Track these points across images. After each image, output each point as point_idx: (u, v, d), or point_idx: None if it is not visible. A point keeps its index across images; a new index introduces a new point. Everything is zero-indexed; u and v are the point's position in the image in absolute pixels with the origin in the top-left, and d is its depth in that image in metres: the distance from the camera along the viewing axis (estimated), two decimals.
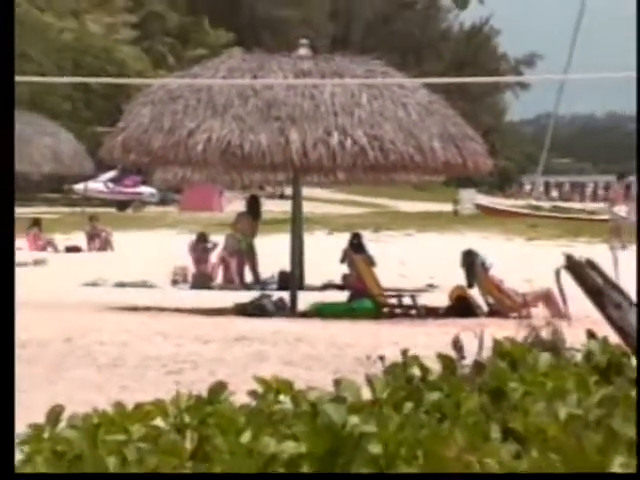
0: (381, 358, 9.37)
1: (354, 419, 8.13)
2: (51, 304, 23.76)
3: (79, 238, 42.09)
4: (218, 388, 9.35)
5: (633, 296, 4.78)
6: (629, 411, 8.14)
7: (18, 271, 28.07)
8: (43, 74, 37.27)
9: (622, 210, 45.66)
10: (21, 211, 42.02)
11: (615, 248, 16.89)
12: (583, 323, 8.67)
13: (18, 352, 18.51)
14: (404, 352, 9.48)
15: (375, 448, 7.70)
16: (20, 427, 9.89)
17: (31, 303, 20.72)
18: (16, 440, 10.52)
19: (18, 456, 9.94)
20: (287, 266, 26.97)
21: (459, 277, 24.88)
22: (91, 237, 42.10)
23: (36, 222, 41.48)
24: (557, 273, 21.52)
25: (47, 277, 30.89)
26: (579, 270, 4.14)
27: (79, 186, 48.01)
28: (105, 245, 41.69)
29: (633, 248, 38.68)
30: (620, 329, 4.19)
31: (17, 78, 33.30)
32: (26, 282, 22.61)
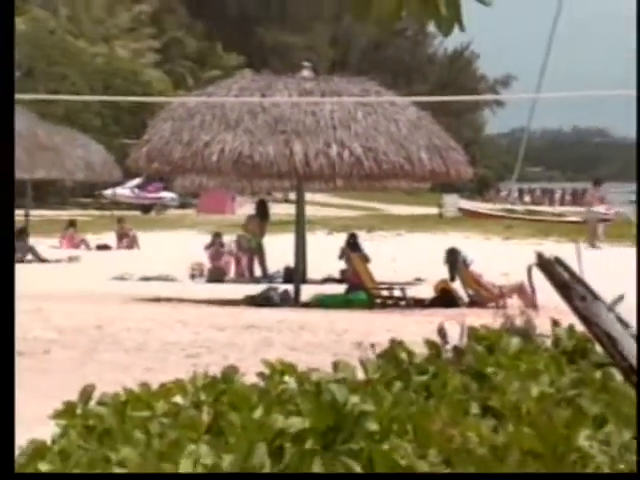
0: (372, 345, 9.70)
1: (354, 398, 8.47)
2: (84, 296, 24.11)
3: (108, 238, 42.17)
4: (231, 370, 9.67)
5: (596, 289, 4.95)
6: (594, 390, 8.44)
7: (55, 267, 28.22)
8: (77, 93, 37.46)
9: (600, 210, 46.30)
10: (57, 213, 42.22)
11: (579, 247, 17.09)
12: (552, 313, 8.95)
13: (56, 337, 18.81)
14: (393, 339, 9.80)
15: (372, 425, 8.04)
16: (57, 404, 10.06)
17: (66, 295, 20.97)
18: (51, 415, 10.57)
19: (55, 429, 10.07)
20: (291, 262, 27.38)
21: (443, 272, 25.24)
22: (120, 237, 42.38)
23: (72, 223, 41.63)
24: (529, 269, 21.85)
25: (80, 272, 31.07)
26: (548, 266, 4.14)
27: (108, 192, 48.50)
28: (132, 244, 41.95)
29: (603, 247, 39.44)
30: (585, 318, 4.18)
31: (54, 96, 33.24)
32: (61, 277, 22.88)
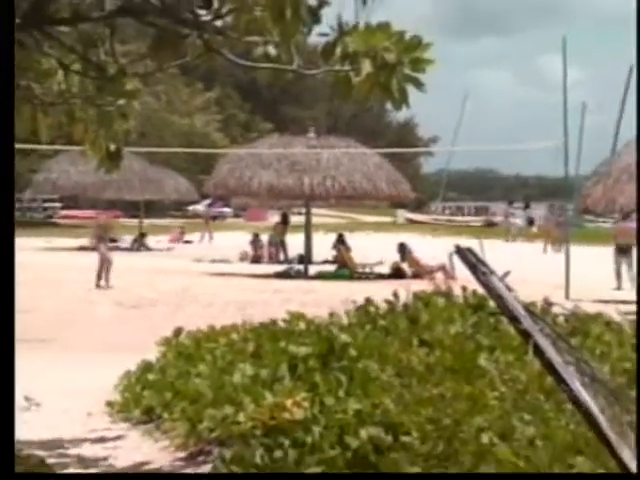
0: (353, 302, 10.06)
1: (341, 335, 8.82)
2: (175, 271, 24.27)
3: (191, 236, 41.90)
4: (268, 322, 10.02)
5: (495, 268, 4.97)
6: (489, 330, 8.71)
7: (158, 254, 28.24)
8: (165, 145, 37.69)
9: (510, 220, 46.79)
10: (159, 221, 42.09)
11: (481, 241, 17.08)
12: (463, 282, 9.22)
13: (158, 297, 18.97)
14: (366, 298, 10.13)
15: (352, 351, 8.37)
16: (158, 338, 10.28)
17: (164, 271, 21.27)
18: (157, 343, 10.53)
19: (156, 354, 10.13)
20: (302, 251, 27.81)
21: (395, 257, 25.82)
22: (202, 235, 42.18)
23: (182, 227, 41.52)
24: (450, 255, 21.94)
25: (173, 257, 31.17)
26: (462, 253, 3.90)
27: (190, 207, 48.64)
28: (209, 239, 41.50)
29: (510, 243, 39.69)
30: (485, 285, 3.87)
31: (156, 149, 32.51)
32: (162, 260, 23.14)
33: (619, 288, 21.96)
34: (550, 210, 45.82)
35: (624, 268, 22.63)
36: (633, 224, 21.24)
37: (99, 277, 21.29)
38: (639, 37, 5.50)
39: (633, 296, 17.16)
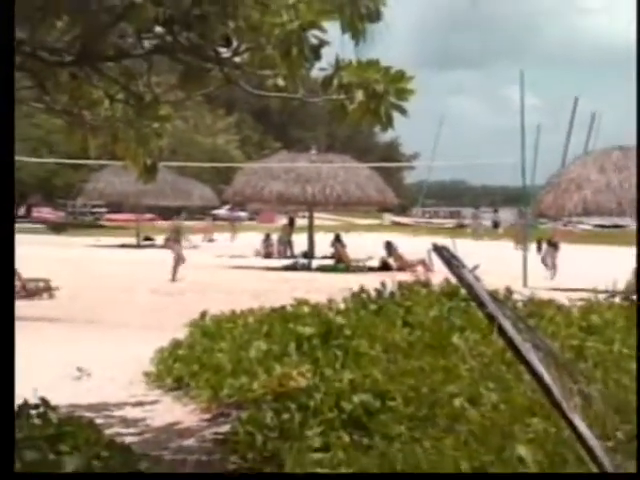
0: (350, 289, 10.01)
1: (338, 318, 8.77)
2: (200, 265, 23.81)
3: (215, 236, 41.52)
4: (278, 307, 9.88)
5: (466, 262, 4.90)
6: (460, 313, 8.66)
7: (187, 251, 28.46)
8: (193, 160, 37.47)
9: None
10: (190, 223, 41.72)
11: (454, 240, 17.00)
12: (440, 274, 9.19)
13: (186, 286, 18.87)
14: (360, 287, 10.09)
15: (347, 331, 8.33)
16: (187, 320, 10.18)
17: (191, 265, 21.17)
18: (185, 324, 10.44)
19: (185, 333, 10.07)
20: (306, 248, 27.57)
21: (383, 253, 25.53)
22: (231, 236, 41.45)
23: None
24: (428, 251, 21.64)
25: (199, 253, 30.57)
26: (439, 250, 3.75)
27: (213, 212, 48.42)
28: (232, 239, 41.11)
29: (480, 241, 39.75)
30: (458, 276, 3.74)
31: (185, 163, 32.12)
32: (190, 256, 23.04)
33: (553, 276, 22.40)
34: (519, 214, 45.83)
35: (550, 260, 23.44)
36: (566, 228, 22.10)
37: (174, 272, 20.93)
38: (639, 38, 4.88)
39: (579, 285, 17.17)
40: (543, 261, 23.75)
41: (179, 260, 21.32)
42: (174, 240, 22.92)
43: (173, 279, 20.43)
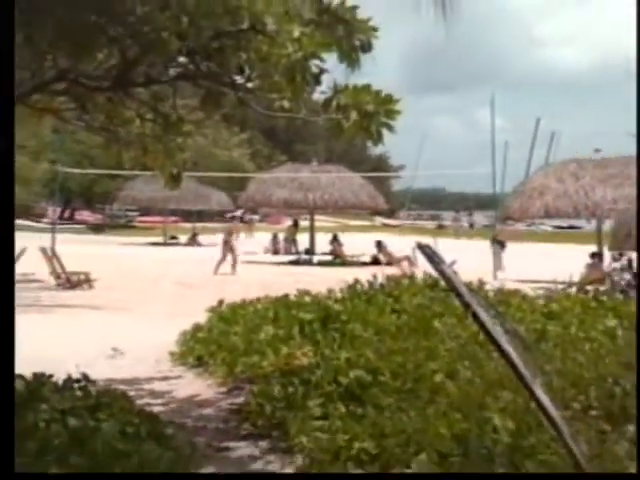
0: (347, 282, 9.94)
1: (336, 305, 8.71)
2: (215, 262, 23.55)
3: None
4: (284, 296, 9.88)
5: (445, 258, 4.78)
6: (440, 302, 8.61)
7: (206, 248, 28.03)
8: (211, 171, 37.14)
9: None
10: (206, 224, 41.36)
11: (436, 240, 16.67)
12: (422, 268, 9.13)
13: (206, 279, 18.68)
14: (354, 279, 10.03)
15: (344, 317, 8.26)
16: (205, 307, 10.06)
17: (210, 260, 20.89)
18: (206, 310, 10.33)
19: (204, 318, 10.00)
20: (308, 245, 27.16)
21: (374, 250, 25.04)
22: (247, 235, 41.02)
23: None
24: (413, 249, 21.31)
25: (217, 250, 30.36)
26: (422, 248, 3.71)
27: (229, 215, 48.07)
28: (247, 238, 40.57)
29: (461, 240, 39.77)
30: (439, 271, 3.70)
31: (205, 174, 31.68)
32: (210, 253, 22.76)
33: (500, 269, 21.90)
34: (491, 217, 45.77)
35: (499, 256, 23.24)
36: (530, 228, 21.65)
37: (218, 265, 20.53)
38: (639, 39, 4.62)
39: (541, 277, 17.15)
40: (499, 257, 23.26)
41: (233, 256, 21.03)
42: (228, 240, 22.51)
43: (216, 272, 20.08)
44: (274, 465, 5.06)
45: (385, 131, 4.98)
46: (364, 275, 10.26)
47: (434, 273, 4.17)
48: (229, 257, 21.10)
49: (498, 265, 22.10)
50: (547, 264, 21.05)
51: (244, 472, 4.11)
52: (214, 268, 20.35)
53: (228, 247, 21.56)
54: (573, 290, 13.06)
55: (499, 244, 23.30)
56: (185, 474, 3.67)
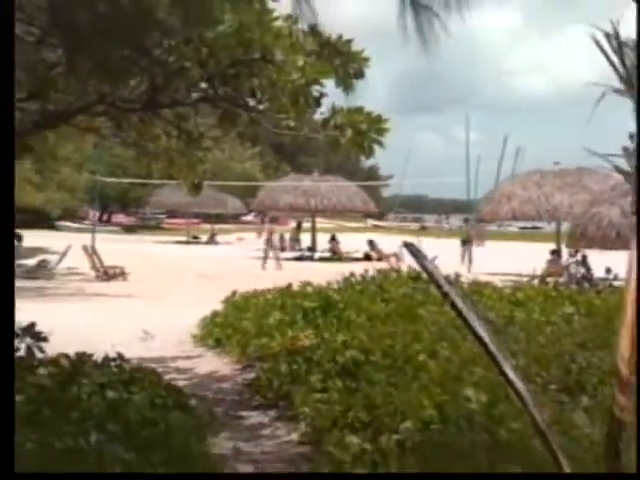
0: (343, 275, 9.86)
1: (334, 294, 8.62)
2: (233, 258, 23.46)
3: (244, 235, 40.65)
4: (289, 287, 9.77)
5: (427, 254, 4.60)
6: (423, 292, 8.54)
7: (221, 247, 27.74)
8: (227, 180, 36.93)
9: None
10: (223, 226, 40.96)
11: (419, 239, 16.43)
12: (407, 263, 9.09)
13: (223, 273, 18.52)
14: (350, 272, 9.96)
15: (341, 305, 8.19)
16: (222, 296, 9.94)
17: (228, 257, 20.89)
18: (221, 300, 10.24)
19: (221, 306, 9.90)
20: (310, 244, 27.09)
21: (366, 248, 24.84)
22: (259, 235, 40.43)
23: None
24: (400, 247, 21.01)
25: (232, 248, 29.88)
26: (407, 246, 3.96)
27: (242, 217, 47.73)
28: (258, 237, 39.74)
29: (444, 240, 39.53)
30: (422, 265, 3.91)
31: (222, 182, 31.46)
32: (224, 251, 22.66)
33: (466, 263, 21.64)
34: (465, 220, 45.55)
35: (466, 253, 23.00)
36: (499, 229, 21.67)
37: (265, 261, 20.47)
38: (639, 41, 4.39)
39: (508, 270, 17.14)
40: (469, 253, 23.24)
41: (274, 254, 20.95)
42: (270, 239, 22.29)
43: (263, 268, 19.93)
44: (281, 431, 5.04)
45: (376, 146, 4.98)
46: (358, 269, 10.21)
47: (418, 267, 4.08)
48: (270, 253, 21.03)
49: (469, 259, 22.27)
50: (514, 259, 21.01)
51: (244, 473, 3.78)
52: (261, 265, 20.03)
53: (269, 246, 21.48)
54: (536, 282, 13.06)
55: (467, 243, 23.74)
56: (185, 474, 3.36)
